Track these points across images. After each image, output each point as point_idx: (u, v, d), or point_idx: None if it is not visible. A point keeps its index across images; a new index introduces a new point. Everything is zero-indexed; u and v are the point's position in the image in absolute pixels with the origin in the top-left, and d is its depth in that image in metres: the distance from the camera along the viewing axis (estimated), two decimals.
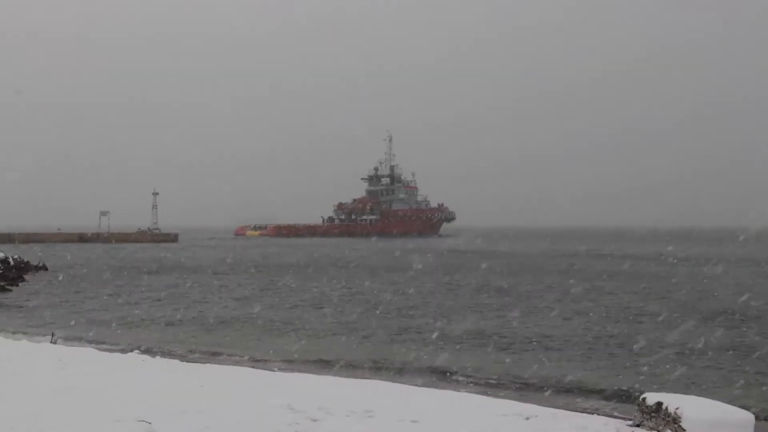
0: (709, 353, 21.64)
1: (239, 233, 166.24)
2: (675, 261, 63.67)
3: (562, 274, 50.57)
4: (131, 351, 20.18)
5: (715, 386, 17.59)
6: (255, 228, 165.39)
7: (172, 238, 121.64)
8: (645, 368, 19.75)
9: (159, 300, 36.65)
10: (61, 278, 48.07)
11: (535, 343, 23.63)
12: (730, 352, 21.73)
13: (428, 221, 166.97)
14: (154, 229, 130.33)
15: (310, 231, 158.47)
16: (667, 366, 20.08)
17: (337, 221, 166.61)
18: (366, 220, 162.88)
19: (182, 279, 48.34)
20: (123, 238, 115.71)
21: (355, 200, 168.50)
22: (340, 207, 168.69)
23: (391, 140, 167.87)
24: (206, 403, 12.13)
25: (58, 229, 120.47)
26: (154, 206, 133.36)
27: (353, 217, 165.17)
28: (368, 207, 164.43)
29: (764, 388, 17.58)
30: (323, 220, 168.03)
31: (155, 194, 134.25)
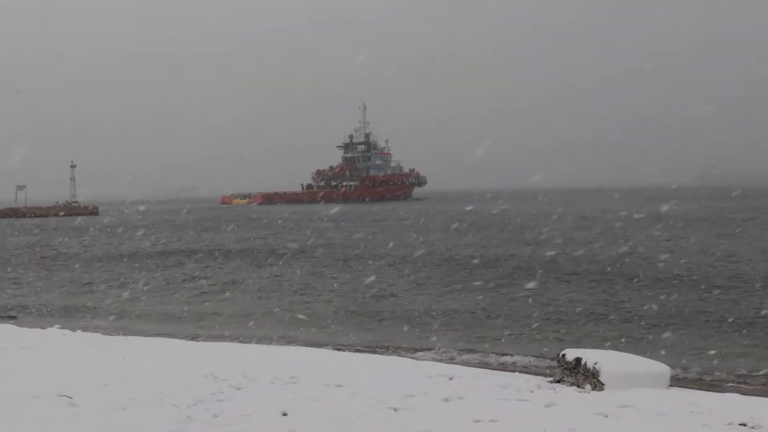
0: (621, 309, 22.25)
1: (226, 202, 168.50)
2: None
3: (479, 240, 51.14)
4: (51, 326, 19.83)
5: (630, 340, 18.09)
6: (243, 197, 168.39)
7: (91, 210, 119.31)
8: (564, 326, 20.20)
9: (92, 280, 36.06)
10: None
11: (456, 307, 23.94)
12: (638, 307, 22.34)
13: (403, 186, 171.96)
14: (73, 202, 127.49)
15: (296, 198, 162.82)
16: (586, 323, 20.57)
17: (316, 188, 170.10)
18: (346, 186, 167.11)
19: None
20: (42, 212, 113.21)
21: (332, 167, 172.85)
22: (319, 174, 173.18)
23: (365, 109, 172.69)
24: (129, 375, 12.00)
25: None
26: (72, 178, 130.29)
27: (333, 183, 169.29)
28: (347, 174, 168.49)
29: (678, 340, 18.16)
30: (302, 186, 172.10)
31: (73, 167, 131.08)
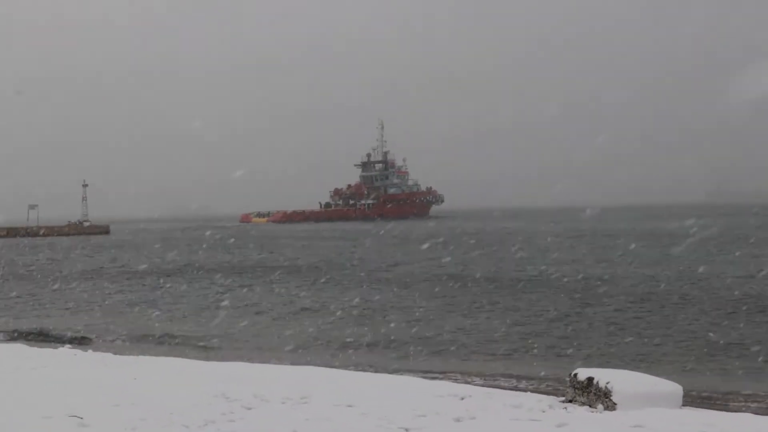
0: (634, 328, 22.15)
1: (245, 220, 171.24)
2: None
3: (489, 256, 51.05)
4: (62, 346, 19.87)
5: (641, 359, 18.00)
6: (259, 215, 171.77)
7: (102, 230, 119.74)
8: (575, 345, 20.11)
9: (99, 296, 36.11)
10: None
11: (467, 326, 23.87)
12: (652, 327, 22.23)
13: (421, 204, 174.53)
14: (84, 221, 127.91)
15: (315, 216, 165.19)
16: (597, 342, 20.48)
17: (334, 206, 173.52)
18: (364, 204, 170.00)
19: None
20: (55, 231, 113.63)
21: (350, 186, 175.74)
22: (337, 193, 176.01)
23: (383, 128, 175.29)
24: (140, 395, 11.98)
25: None
26: (84, 198, 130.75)
27: (351, 202, 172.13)
28: (365, 192, 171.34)
29: (688, 360, 18.06)
30: (321, 205, 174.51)
31: (85, 186, 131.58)
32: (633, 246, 52.18)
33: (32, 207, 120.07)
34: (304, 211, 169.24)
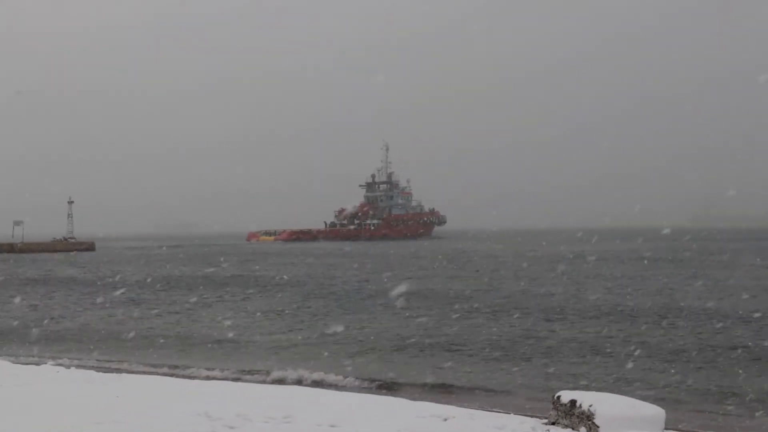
0: (619, 351, 22.19)
1: (252, 238, 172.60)
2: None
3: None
4: (45, 362, 19.77)
5: (627, 383, 18.04)
6: (267, 234, 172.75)
7: (87, 246, 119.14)
8: (559, 367, 20.14)
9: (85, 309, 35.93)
10: None
11: (450, 344, 23.88)
12: (638, 349, 22.28)
13: (424, 225, 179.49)
14: (70, 238, 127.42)
15: (322, 235, 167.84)
16: (581, 364, 20.51)
17: (339, 226, 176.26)
18: (370, 224, 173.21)
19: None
20: (38, 247, 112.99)
21: (355, 206, 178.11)
22: (341, 212, 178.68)
23: (387, 149, 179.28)
24: (123, 413, 11.96)
25: None
26: (69, 215, 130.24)
27: (356, 222, 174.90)
28: (370, 212, 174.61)
29: (672, 383, 18.13)
30: (326, 224, 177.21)
31: (70, 203, 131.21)
32: (620, 267, 52.40)
33: (17, 223, 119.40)
34: (311, 231, 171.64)
